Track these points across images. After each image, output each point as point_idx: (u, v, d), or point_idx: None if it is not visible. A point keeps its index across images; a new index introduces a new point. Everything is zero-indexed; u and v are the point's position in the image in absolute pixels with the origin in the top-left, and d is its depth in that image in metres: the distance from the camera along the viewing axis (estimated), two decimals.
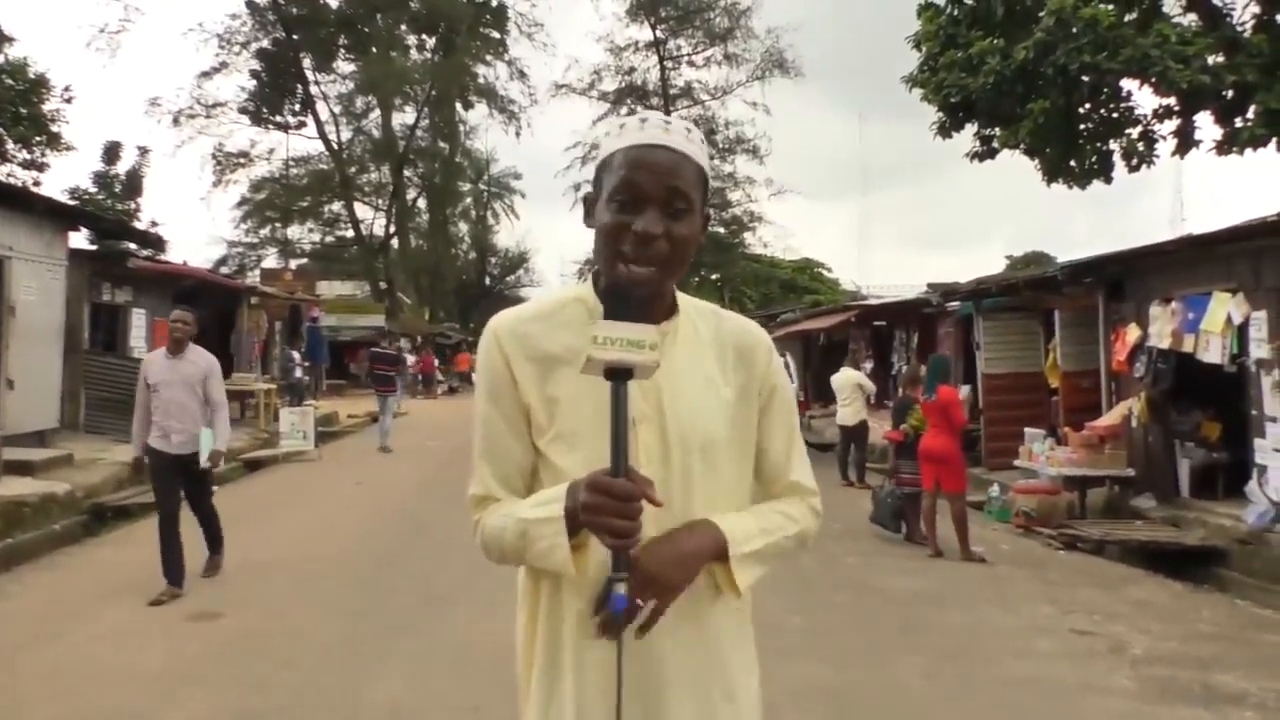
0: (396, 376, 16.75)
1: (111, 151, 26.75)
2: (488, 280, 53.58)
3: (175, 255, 21.52)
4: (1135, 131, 12.74)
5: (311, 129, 35.77)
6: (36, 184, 20.63)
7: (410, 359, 28.58)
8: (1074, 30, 11.02)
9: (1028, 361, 12.91)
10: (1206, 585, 7.52)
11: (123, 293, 14.30)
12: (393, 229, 38.17)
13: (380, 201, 38.18)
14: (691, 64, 34.60)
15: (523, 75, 37.17)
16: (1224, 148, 12.31)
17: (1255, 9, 12.24)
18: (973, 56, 12.20)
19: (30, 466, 9.40)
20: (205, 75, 33.54)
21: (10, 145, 20.81)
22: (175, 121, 32.95)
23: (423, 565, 7.22)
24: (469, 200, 48.73)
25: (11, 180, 19.32)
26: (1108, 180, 13.06)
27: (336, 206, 37.62)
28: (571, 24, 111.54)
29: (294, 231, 38.02)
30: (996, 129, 13.11)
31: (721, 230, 33.48)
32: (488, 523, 1.46)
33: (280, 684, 4.64)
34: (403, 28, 37.22)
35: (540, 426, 1.45)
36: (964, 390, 12.63)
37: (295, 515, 9.67)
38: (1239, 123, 12.07)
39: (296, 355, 20.62)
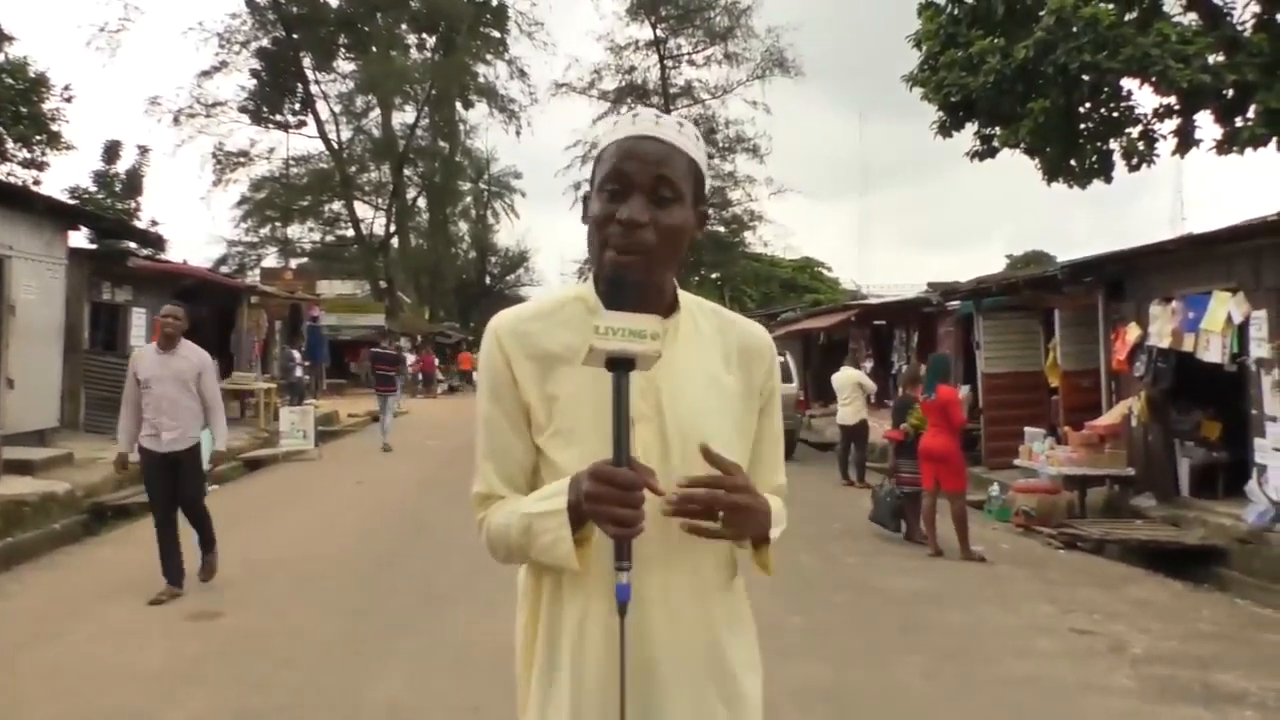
0: (396, 376, 16.76)
1: (111, 151, 26.78)
2: (488, 279, 53.60)
3: (175, 254, 21.56)
4: (1135, 131, 12.74)
5: (311, 128, 35.85)
6: (36, 183, 20.68)
7: (410, 358, 28.59)
8: (1074, 29, 11.02)
9: (1028, 361, 12.92)
10: (1206, 584, 7.52)
11: (123, 292, 14.29)
12: (393, 228, 38.19)
13: (380, 201, 38.21)
14: (692, 63, 34.66)
15: (523, 74, 37.26)
16: (1224, 147, 12.31)
17: (1255, 8, 12.24)
18: (973, 55, 12.21)
19: (30, 466, 9.40)
20: (205, 74, 33.61)
21: (10, 144, 20.83)
22: (175, 120, 33.02)
23: (423, 565, 7.22)
24: (469, 199, 48.79)
25: (11, 179, 19.32)
26: (1108, 179, 13.06)
27: (336, 206, 37.68)
28: (572, 23, 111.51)
29: (294, 231, 38.13)
30: (997, 128, 13.11)
31: (722, 229, 33.50)
32: (492, 520, 1.46)
33: (280, 683, 4.64)
34: (403, 27, 37.24)
35: (540, 424, 1.45)
36: (964, 389, 12.64)
37: (295, 515, 9.67)
38: (1239, 122, 12.07)
39: (296, 354, 20.61)
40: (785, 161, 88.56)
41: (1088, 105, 12.59)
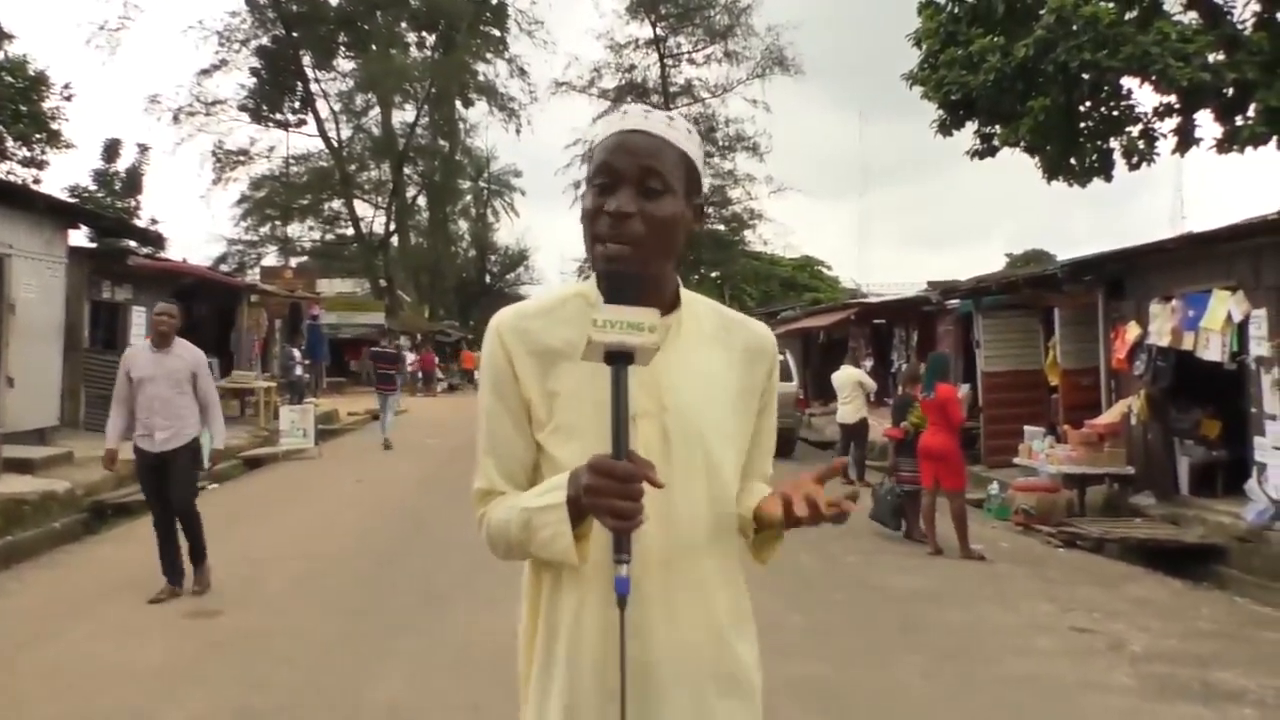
0: (396, 375, 16.78)
1: (111, 149, 26.79)
2: (488, 278, 53.61)
3: (175, 253, 21.59)
4: (1135, 129, 12.74)
5: (311, 126, 35.90)
6: (36, 182, 20.68)
7: (410, 357, 28.59)
8: (1074, 28, 11.02)
9: (1027, 359, 12.92)
10: (1206, 583, 7.53)
11: (123, 290, 14.29)
12: (393, 226, 38.21)
13: (380, 199, 38.23)
14: (691, 61, 34.59)
15: (523, 73, 37.28)
16: (1224, 146, 12.31)
17: (1255, 7, 12.24)
18: (973, 54, 12.21)
19: (30, 464, 9.40)
20: (205, 73, 33.66)
21: (10, 143, 20.82)
22: (175, 119, 33.05)
23: (423, 563, 7.22)
24: (469, 198, 48.81)
25: (11, 178, 19.32)
26: (1108, 178, 13.06)
27: (336, 204, 37.72)
28: (571, 21, 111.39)
29: (294, 229, 38.18)
30: (997, 127, 13.11)
31: (721, 228, 33.49)
32: (492, 516, 1.46)
33: (280, 682, 4.64)
34: (403, 25, 37.24)
35: (541, 420, 1.45)
36: (964, 388, 12.64)
37: (295, 513, 9.67)
38: (1239, 120, 12.08)
39: (296, 353, 20.60)
40: (785, 160, 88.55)
41: (1088, 104, 12.59)
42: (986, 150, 13.49)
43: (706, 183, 1.49)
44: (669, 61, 34.17)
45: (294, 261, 36.84)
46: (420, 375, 30.89)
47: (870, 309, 19.48)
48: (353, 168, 37.11)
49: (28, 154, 21.21)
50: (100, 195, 25.59)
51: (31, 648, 5.15)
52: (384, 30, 35.87)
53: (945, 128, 13.22)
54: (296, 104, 35.86)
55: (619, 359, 1.29)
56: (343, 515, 9.51)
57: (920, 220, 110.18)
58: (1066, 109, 12.18)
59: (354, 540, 8.21)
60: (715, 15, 33.46)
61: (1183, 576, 7.59)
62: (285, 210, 36.45)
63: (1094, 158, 12.97)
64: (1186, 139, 12.59)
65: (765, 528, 1.45)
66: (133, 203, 26.64)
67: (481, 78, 37.95)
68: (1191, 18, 12.32)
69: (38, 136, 20.91)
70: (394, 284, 37.82)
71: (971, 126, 13.35)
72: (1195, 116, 12.47)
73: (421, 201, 41.31)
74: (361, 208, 37.73)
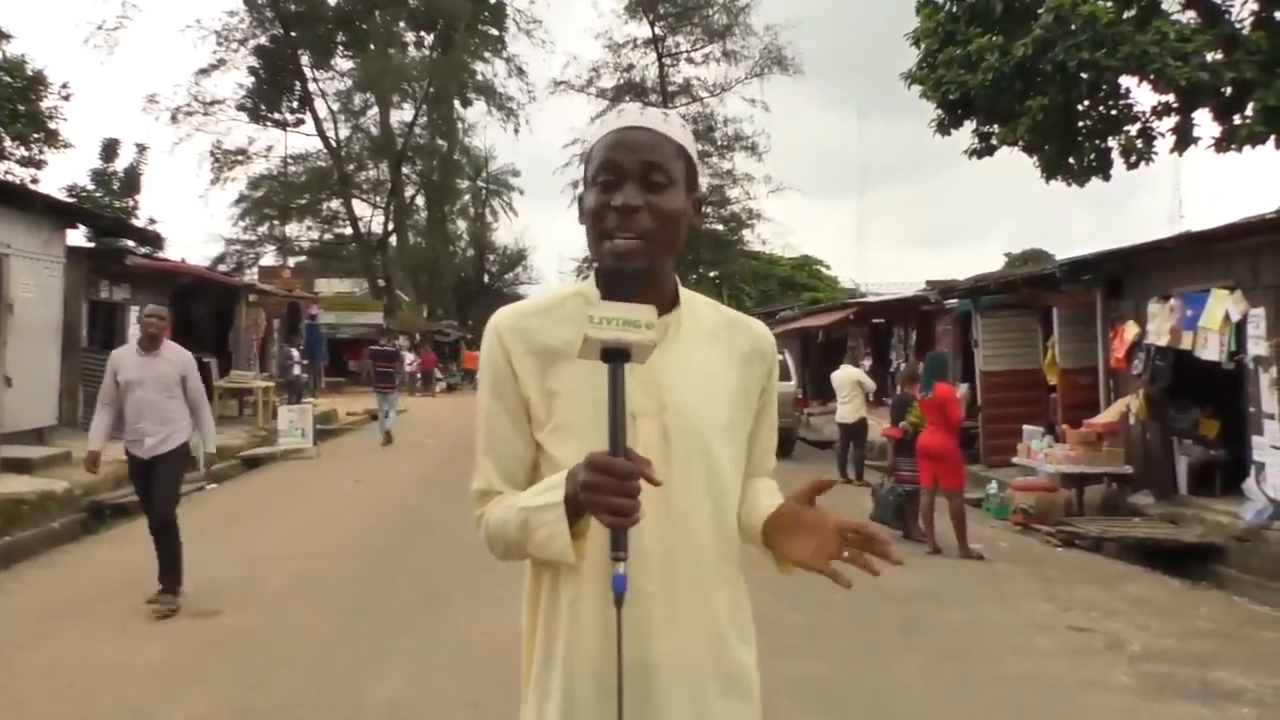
0: (395, 373, 16.79)
1: (109, 149, 26.78)
2: (486, 278, 53.57)
3: (173, 253, 21.55)
4: (1134, 128, 12.74)
5: (310, 126, 35.85)
6: (34, 181, 20.67)
7: (410, 357, 28.57)
8: (1073, 27, 11.02)
9: (1026, 359, 12.92)
10: (1204, 582, 7.54)
11: (121, 290, 14.27)
12: (391, 226, 38.17)
13: (378, 199, 38.19)
14: (690, 61, 34.52)
15: (521, 72, 37.22)
16: (1222, 145, 12.31)
17: (1253, 6, 12.24)
18: (972, 53, 12.21)
19: (28, 464, 9.40)
20: (203, 72, 33.58)
21: (8, 142, 20.80)
22: (173, 119, 32.98)
23: (422, 563, 7.22)
24: (467, 197, 48.81)
25: (9, 177, 19.31)
26: (1106, 177, 13.06)
27: (335, 204, 37.67)
28: (570, 20, 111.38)
29: (292, 229, 38.11)
30: (995, 126, 13.11)
31: (720, 227, 33.44)
32: (491, 516, 1.46)
33: (279, 682, 4.64)
34: (401, 24, 37.21)
35: (540, 420, 1.45)
36: (962, 388, 12.65)
37: (294, 513, 9.66)
38: (1237, 120, 12.08)
39: (295, 353, 20.61)
40: (784, 159, 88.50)
41: (1086, 103, 12.59)
42: (985, 150, 13.48)
43: (705, 182, 1.49)
44: (667, 61, 34.13)
45: (292, 261, 36.82)
46: (420, 376, 30.87)
47: (869, 308, 19.49)
48: (351, 167, 37.07)
49: (26, 153, 21.19)
50: (98, 195, 25.57)
51: (30, 647, 5.15)
52: (382, 30, 35.83)
53: (944, 127, 13.22)
54: (295, 103, 35.84)
55: (615, 356, 1.29)
56: (341, 515, 9.50)
57: (919, 220, 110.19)
58: (1065, 108, 12.19)
59: (353, 540, 8.21)
60: (714, 15, 33.41)
61: (1181, 576, 7.60)
62: (283, 210, 36.40)
63: (1092, 157, 12.97)
64: (1185, 138, 12.59)
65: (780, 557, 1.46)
66: (131, 202, 26.62)
67: (480, 77, 37.95)
68: (1190, 17, 12.32)
69: (36, 136, 20.89)
70: (392, 284, 37.79)
71: (970, 126, 13.35)
72: (1193, 116, 12.47)
73: (420, 201, 41.29)
74: (360, 207, 37.74)
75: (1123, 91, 12.55)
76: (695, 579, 1.42)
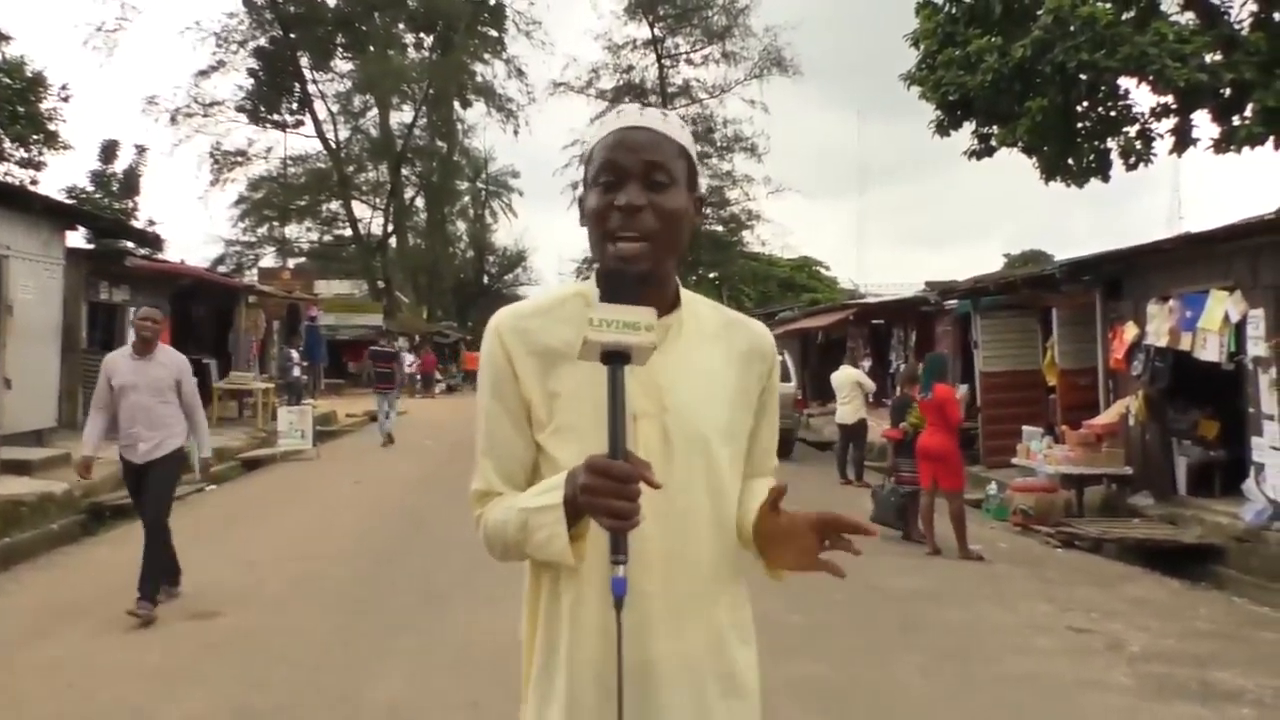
0: (394, 374, 16.79)
1: (109, 150, 26.78)
2: (486, 279, 53.54)
3: (173, 254, 21.57)
4: (1133, 130, 12.73)
5: (309, 128, 35.84)
6: (34, 183, 20.68)
7: (410, 359, 28.56)
8: (1072, 28, 11.02)
9: (1025, 360, 12.93)
10: (1204, 583, 7.54)
11: (120, 292, 14.27)
12: (391, 228, 38.17)
13: (378, 200, 38.19)
14: (690, 62, 34.58)
15: (521, 73, 37.25)
16: (1221, 146, 12.31)
17: (1253, 7, 12.24)
18: (971, 54, 12.21)
19: (28, 466, 9.40)
20: (203, 74, 33.59)
21: (7, 144, 20.80)
22: (173, 120, 33.00)
23: (422, 563, 7.22)
24: (467, 199, 48.75)
25: (9, 179, 19.32)
26: (1105, 178, 13.06)
27: (334, 205, 37.66)
28: (570, 22, 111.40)
29: (292, 230, 38.09)
30: (994, 127, 13.10)
31: (720, 228, 33.48)
32: (490, 517, 1.45)
33: (279, 682, 4.64)
34: (400, 26, 37.23)
35: (540, 421, 1.45)
36: (962, 389, 12.65)
37: (294, 514, 9.66)
38: (1236, 121, 12.08)
39: (294, 354, 20.61)
40: (783, 160, 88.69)
41: (1085, 104, 12.59)
42: (984, 150, 13.48)
43: (704, 183, 1.49)
44: (667, 62, 34.17)
45: (292, 262, 36.82)
46: (419, 377, 30.87)
47: (868, 309, 19.50)
48: (350, 169, 37.07)
49: (25, 155, 21.20)
50: (98, 196, 25.57)
51: (30, 647, 5.15)
52: (382, 31, 35.85)
53: (943, 128, 13.22)
54: (294, 105, 35.84)
55: (615, 358, 1.29)
56: (341, 516, 9.50)
57: (918, 220, 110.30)
58: (1064, 109, 12.19)
59: (353, 541, 8.21)
60: (713, 16, 33.46)
61: (1180, 576, 7.60)
62: (283, 211, 36.40)
63: (1091, 158, 12.97)
64: (1184, 139, 12.60)
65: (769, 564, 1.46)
66: (130, 204, 26.62)
67: (479, 78, 37.96)
68: (1189, 18, 12.32)
69: (35, 137, 20.90)
70: (392, 285, 37.79)
71: (969, 127, 13.35)
72: (1192, 117, 12.47)
73: (419, 202, 41.28)
74: (359, 209, 37.73)
75: (1122, 93, 12.56)
76: (695, 579, 1.42)
